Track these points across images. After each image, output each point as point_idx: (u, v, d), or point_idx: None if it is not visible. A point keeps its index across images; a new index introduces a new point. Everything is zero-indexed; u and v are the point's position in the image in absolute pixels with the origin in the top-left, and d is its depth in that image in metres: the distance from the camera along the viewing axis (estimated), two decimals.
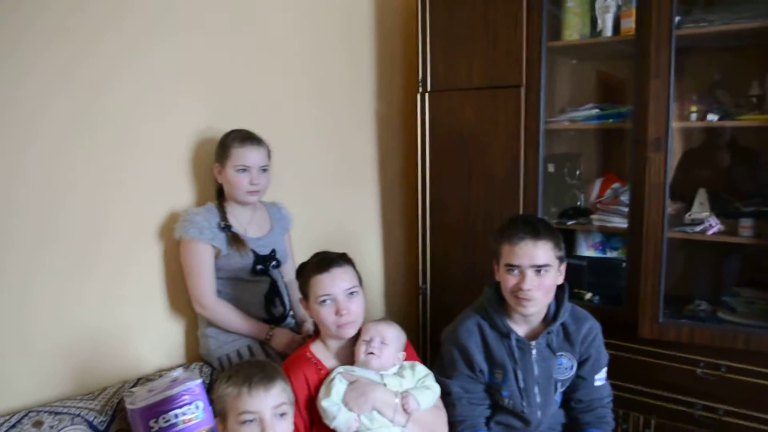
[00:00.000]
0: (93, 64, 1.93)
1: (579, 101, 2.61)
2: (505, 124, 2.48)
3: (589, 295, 2.46)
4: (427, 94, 2.67)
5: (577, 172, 2.66)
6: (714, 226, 2.19)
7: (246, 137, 2.12)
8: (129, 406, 1.76)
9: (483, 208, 2.58)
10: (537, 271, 1.77)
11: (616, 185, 2.54)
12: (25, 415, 1.70)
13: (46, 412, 1.73)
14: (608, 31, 2.36)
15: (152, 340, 2.14)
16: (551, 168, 2.56)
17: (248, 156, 2.09)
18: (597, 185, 2.60)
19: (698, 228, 2.20)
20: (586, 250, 2.56)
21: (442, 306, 2.73)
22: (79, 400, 1.82)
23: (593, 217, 2.48)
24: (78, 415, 1.76)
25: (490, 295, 1.91)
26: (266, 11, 2.45)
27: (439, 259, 2.74)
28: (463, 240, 2.64)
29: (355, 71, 2.86)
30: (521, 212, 2.44)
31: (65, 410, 1.76)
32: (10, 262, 1.79)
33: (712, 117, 2.20)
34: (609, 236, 2.54)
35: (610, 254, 2.53)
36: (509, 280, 1.79)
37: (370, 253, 3.04)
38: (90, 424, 1.76)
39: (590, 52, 2.59)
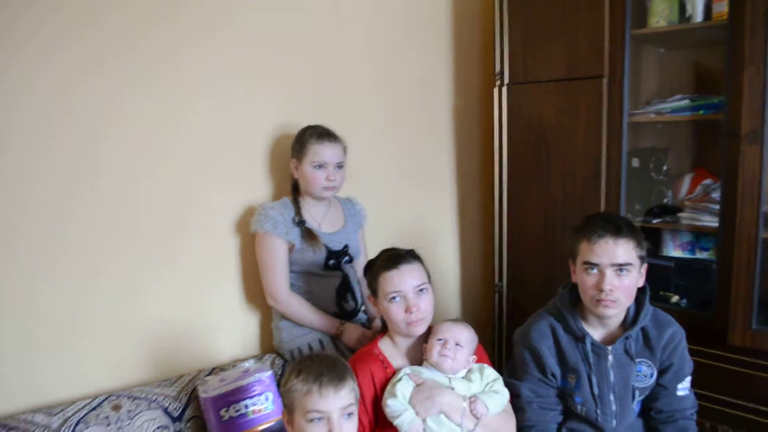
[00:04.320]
0: (177, 65, 2.01)
1: (667, 92, 2.47)
2: (586, 118, 2.38)
3: (675, 299, 2.31)
4: (504, 87, 2.61)
5: (665, 167, 2.51)
6: None
7: (323, 134, 2.13)
8: (202, 395, 1.82)
9: (562, 205, 2.49)
10: (617, 271, 1.68)
11: (707, 181, 2.38)
12: (106, 398, 1.79)
13: (125, 396, 1.82)
14: (698, 17, 2.21)
15: (229, 330, 2.21)
16: (636, 163, 2.42)
17: (325, 152, 2.10)
18: (686, 181, 2.45)
19: None
20: (674, 250, 2.41)
21: (519, 305, 2.66)
22: (156, 386, 1.90)
23: (681, 215, 2.33)
24: (154, 400, 1.83)
25: (564, 295, 1.83)
26: (342, 8, 2.46)
27: (516, 257, 2.67)
28: (541, 238, 2.56)
29: (432, 65, 2.83)
30: (602, 210, 2.33)
31: (143, 395, 1.84)
32: (113, 256, 1.92)
33: None
34: (699, 236, 2.38)
35: (700, 255, 2.37)
36: (587, 280, 1.71)
37: (446, 249, 3.00)
38: (165, 410, 1.84)
39: (679, 39, 2.43)
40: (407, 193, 2.77)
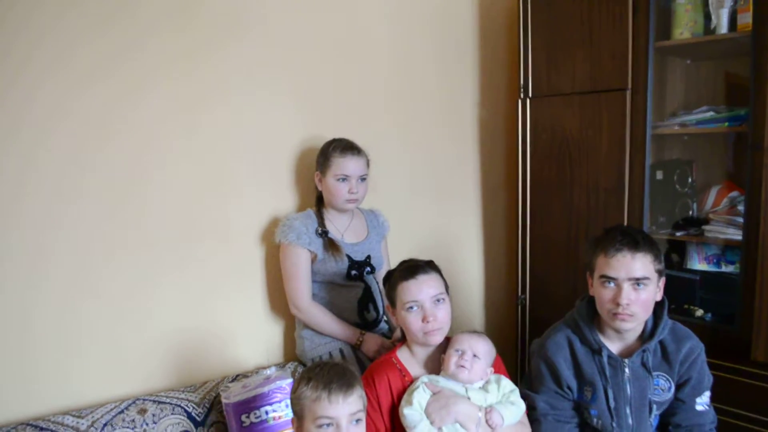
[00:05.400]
0: (198, 76, 2.08)
1: (693, 104, 2.45)
2: (609, 130, 2.38)
3: (700, 312, 2.29)
4: (528, 100, 2.62)
5: (690, 180, 2.48)
6: None
7: (346, 147, 2.18)
8: (224, 401, 1.87)
9: (585, 218, 2.49)
10: (634, 285, 1.68)
11: (734, 194, 2.35)
12: (133, 402, 1.86)
13: (150, 401, 1.88)
14: (723, 28, 2.19)
15: (253, 338, 2.26)
16: (660, 175, 2.41)
17: (348, 166, 2.15)
18: (712, 194, 2.42)
19: None
20: (699, 263, 2.37)
21: (541, 318, 2.64)
22: (181, 391, 1.96)
23: (707, 228, 2.30)
24: (179, 405, 1.89)
25: (581, 308, 1.83)
26: (367, 20, 2.52)
27: (539, 270, 2.68)
28: (564, 251, 2.56)
29: (456, 77, 2.86)
30: (626, 223, 2.33)
31: (168, 400, 1.90)
32: (141, 262, 2.00)
33: None
34: (725, 249, 2.35)
35: (726, 269, 2.33)
36: (604, 294, 1.71)
37: (470, 261, 3.02)
38: (189, 415, 1.90)
39: (704, 50, 2.42)
40: (431, 204, 2.80)
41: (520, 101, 2.65)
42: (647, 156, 2.30)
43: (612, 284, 1.70)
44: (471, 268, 3.03)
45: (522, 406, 1.78)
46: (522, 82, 2.64)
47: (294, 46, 2.30)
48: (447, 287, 1.85)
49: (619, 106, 2.34)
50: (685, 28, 2.29)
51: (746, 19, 2.10)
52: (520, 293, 2.73)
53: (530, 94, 2.62)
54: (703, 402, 1.78)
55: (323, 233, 2.17)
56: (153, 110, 1.99)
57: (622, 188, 2.36)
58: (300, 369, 2.18)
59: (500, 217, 3.07)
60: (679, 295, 2.30)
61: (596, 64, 2.40)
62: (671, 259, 2.49)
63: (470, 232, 3.01)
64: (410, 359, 1.85)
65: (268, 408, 1.84)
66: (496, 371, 1.85)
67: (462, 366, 1.75)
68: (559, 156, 2.55)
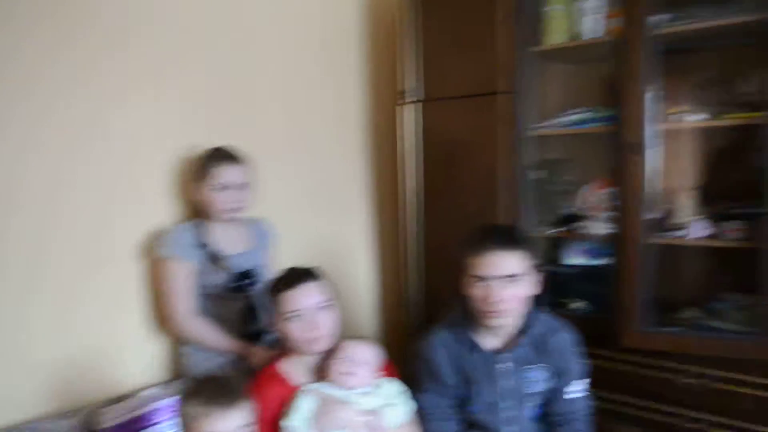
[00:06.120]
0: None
1: (570, 106, 2.55)
2: (490, 133, 2.43)
3: (577, 304, 2.40)
4: (413, 105, 2.66)
5: (567, 178, 2.60)
6: (700, 230, 2.12)
7: (224, 156, 2.14)
8: (101, 426, 1.79)
9: (473, 221, 2.50)
10: (505, 282, 1.73)
11: (605, 190, 2.47)
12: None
13: (26, 430, 1.76)
14: (592, 33, 2.29)
15: (134, 358, 2.17)
16: (539, 175, 2.50)
17: (226, 174, 2.11)
18: (587, 191, 2.54)
19: (681, 233, 2.14)
20: (576, 257, 2.50)
21: (434, 320, 2.68)
22: (56, 419, 1.85)
23: (582, 223, 2.42)
24: None
25: (458, 307, 1.88)
26: (246, 25, 2.47)
27: (434, 274, 2.71)
28: (454, 253, 2.61)
29: (344, 82, 2.87)
30: (506, 222, 2.39)
31: (42, 428, 1.79)
32: (12, 284, 1.88)
33: (697, 117, 2.15)
34: (600, 243, 2.48)
35: (601, 261, 2.46)
36: (476, 292, 1.76)
37: (362, 266, 3.03)
38: None
39: (577, 55, 2.53)
40: (322, 211, 2.79)
41: (402, 106, 2.68)
42: (524, 156, 2.39)
43: (483, 283, 1.74)
44: (363, 274, 3.04)
45: (410, 407, 1.81)
46: (403, 86, 2.66)
47: (179, 52, 2.24)
48: (335, 294, 1.85)
49: (496, 109, 2.40)
50: (558, 33, 2.38)
51: (613, 24, 2.21)
52: (412, 296, 2.76)
53: (415, 99, 2.65)
54: (576, 390, 1.85)
55: (204, 245, 2.12)
56: None
57: (503, 189, 2.42)
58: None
59: (391, 222, 3.09)
60: (559, 289, 2.40)
61: (478, 69, 2.45)
62: (550, 254, 2.59)
63: (362, 238, 3.02)
64: (295, 369, 1.83)
65: (149, 429, 1.78)
66: (387, 374, 1.86)
67: (346, 372, 1.75)
68: (446, 160, 2.60)
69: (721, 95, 2.22)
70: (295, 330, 1.76)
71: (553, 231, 2.48)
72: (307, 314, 1.76)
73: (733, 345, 2.05)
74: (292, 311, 1.76)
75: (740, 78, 2.18)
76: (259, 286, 2.25)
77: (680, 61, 2.28)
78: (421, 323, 2.69)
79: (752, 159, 2.03)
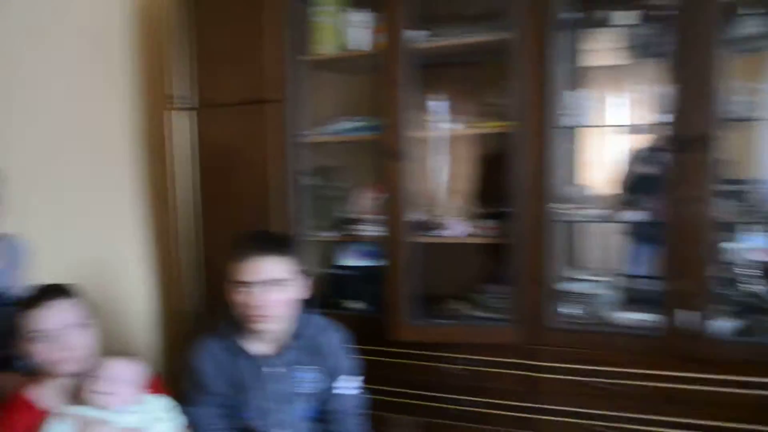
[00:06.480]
0: None
1: (343, 114, 2.63)
2: (260, 140, 2.45)
3: (355, 305, 2.49)
4: (183, 111, 2.58)
5: (342, 184, 2.70)
6: (460, 229, 2.31)
7: None
8: None
9: (247, 227, 2.48)
10: (267, 287, 1.72)
11: (376, 195, 2.60)
12: None
13: None
14: (360, 46, 2.40)
15: None
16: (314, 181, 2.56)
17: None
18: (362, 196, 2.65)
19: (442, 232, 2.32)
20: (352, 259, 2.59)
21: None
22: None
23: (357, 227, 2.51)
24: None
25: (226, 315, 1.84)
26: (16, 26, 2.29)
27: (212, 282, 2.62)
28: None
29: (108, 86, 2.70)
30: (276, 228, 2.41)
31: None
32: None
33: (454, 126, 2.34)
34: (373, 245, 2.60)
35: (376, 262, 2.57)
36: (238, 298, 1.74)
37: (135, 279, 2.88)
38: None
39: (346, 65, 2.63)
40: (89, 224, 2.59)
41: (171, 111, 2.60)
42: (295, 164, 2.44)
43: (245, 288, 1.73)
44: (138, 286, 2.89)
45: (179, 422, 1.73)
46: (174, 90, 2.58)
47: None
48: (90, 312, 1.73)
49: (267, 117, 2.43)
50: (328, 44, 2.45)
51: (378, 39, 2.33)
52: (190, 307, 2.67)
53: (192, 106, 2.58)
54: (348, 386, 1.88)
55: None
56: None
57: (275, 195, 2.45)
58: None
59: (169, 233, 2.96)
60: (337, 290, 2.49)
61: (249, 77, 2.45)
62: (328, 257, 2.66)
63: (136, 249, 2.87)
64: (45, 393, 1.67)
65: None
66: (155, 390, 1.77)
67: (99, 392, 1.63)
68: (224, 168, 2.56)
69: (475, 106, 2.45)
70: (41, 351, 1.62)
71: (330, 234, 2.55)
72: (55, 334, 1.62)
73: (491, 331, 2.26)
74: (37, 331, 1.61)
75: (489, 90, 2.42)
76: (6, 308, 2.02)
77: (438, 75, 2.48)
78: (203, 333, 2.61)
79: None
